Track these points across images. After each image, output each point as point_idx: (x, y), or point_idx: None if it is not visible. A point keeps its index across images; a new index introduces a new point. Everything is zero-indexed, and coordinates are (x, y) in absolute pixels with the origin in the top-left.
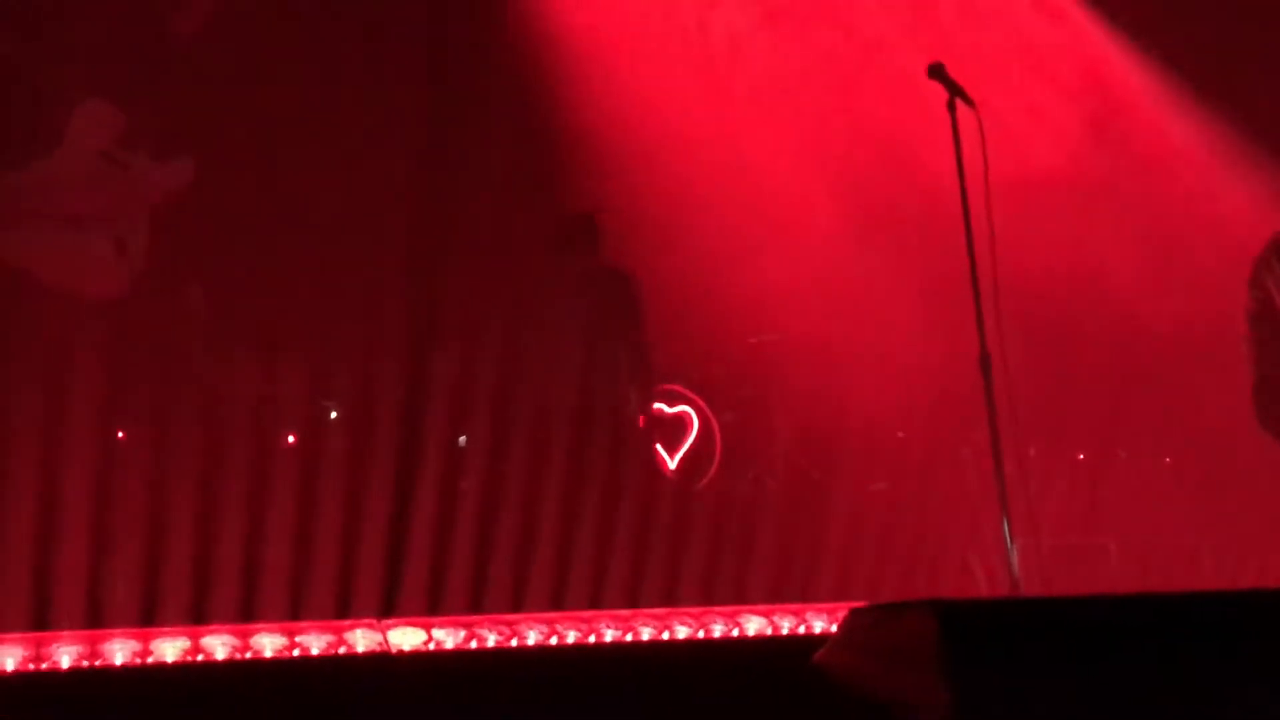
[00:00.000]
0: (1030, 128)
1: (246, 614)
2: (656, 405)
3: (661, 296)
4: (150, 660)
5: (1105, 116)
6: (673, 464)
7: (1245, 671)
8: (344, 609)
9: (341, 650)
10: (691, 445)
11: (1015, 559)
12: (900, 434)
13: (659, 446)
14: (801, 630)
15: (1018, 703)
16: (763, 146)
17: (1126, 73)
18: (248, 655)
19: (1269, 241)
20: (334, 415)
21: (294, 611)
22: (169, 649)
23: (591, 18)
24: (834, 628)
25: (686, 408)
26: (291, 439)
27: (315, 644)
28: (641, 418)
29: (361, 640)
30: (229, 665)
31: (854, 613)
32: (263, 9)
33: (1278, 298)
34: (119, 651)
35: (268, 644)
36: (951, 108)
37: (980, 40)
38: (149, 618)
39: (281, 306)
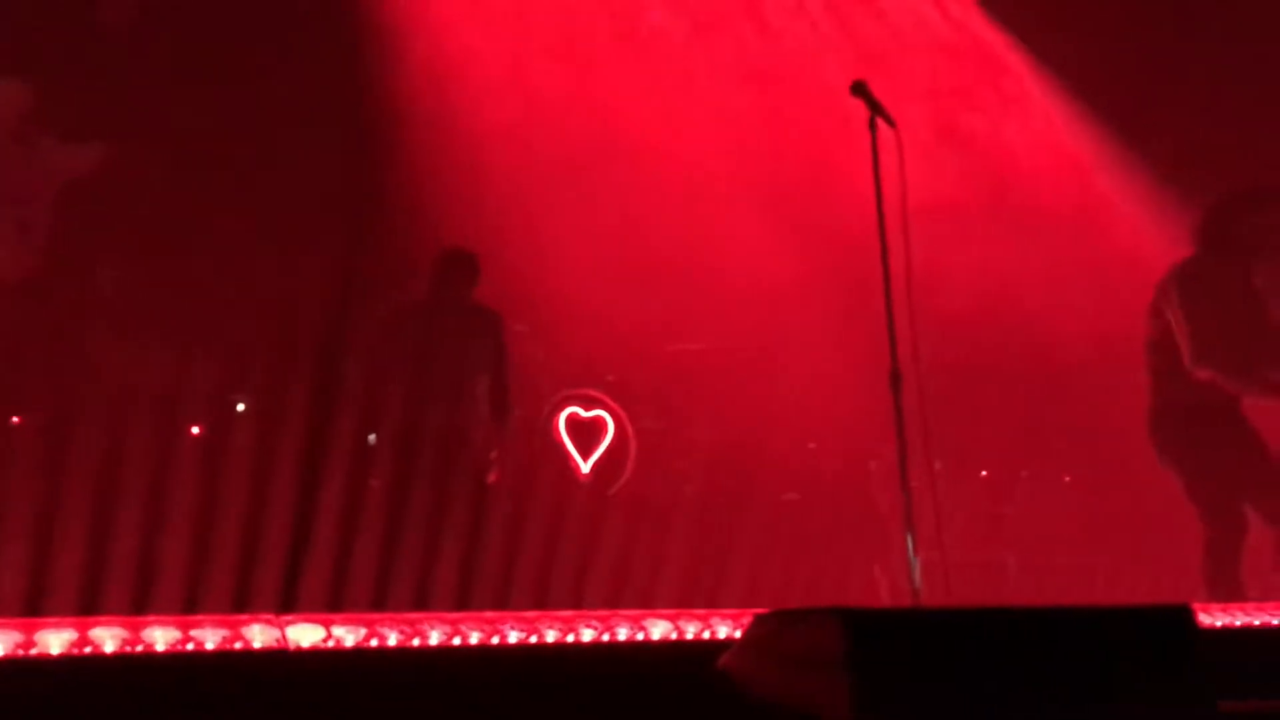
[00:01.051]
0: (948, 150)
1: (140, 606)
2: (573, 409)
3: (580, 302)
4: (34, 653)
5: (1019, 143)
6: (586, 468)
7: (1135, 682)
8: (242, 604)
9: (238, 646)
10: (606, 450)
11: (918, 572)
12: (812, 446)
13: (573, 450)
14: (706, 636)
15: (916, 708)
16: (688, 156)
17: (1044, 103)
18: (139, 649)
19: (1169, 272)
20: (241, 408)
21: (190, 605)
22: (54, 641)
23: (511, 24)
24: (739, 634)
25: (603, 412)
26: (196, 430)
27: (210, 638)
28: (555, 423)
29: (259, 636)
30: (119, 659)
31: (758, 619)
32: None
33: (1176, 328)
34: (0, 643)
35: (160, 637)
36: (872, 126)
37: (901, 58)
38: (35, 608)
39: (190, 297)
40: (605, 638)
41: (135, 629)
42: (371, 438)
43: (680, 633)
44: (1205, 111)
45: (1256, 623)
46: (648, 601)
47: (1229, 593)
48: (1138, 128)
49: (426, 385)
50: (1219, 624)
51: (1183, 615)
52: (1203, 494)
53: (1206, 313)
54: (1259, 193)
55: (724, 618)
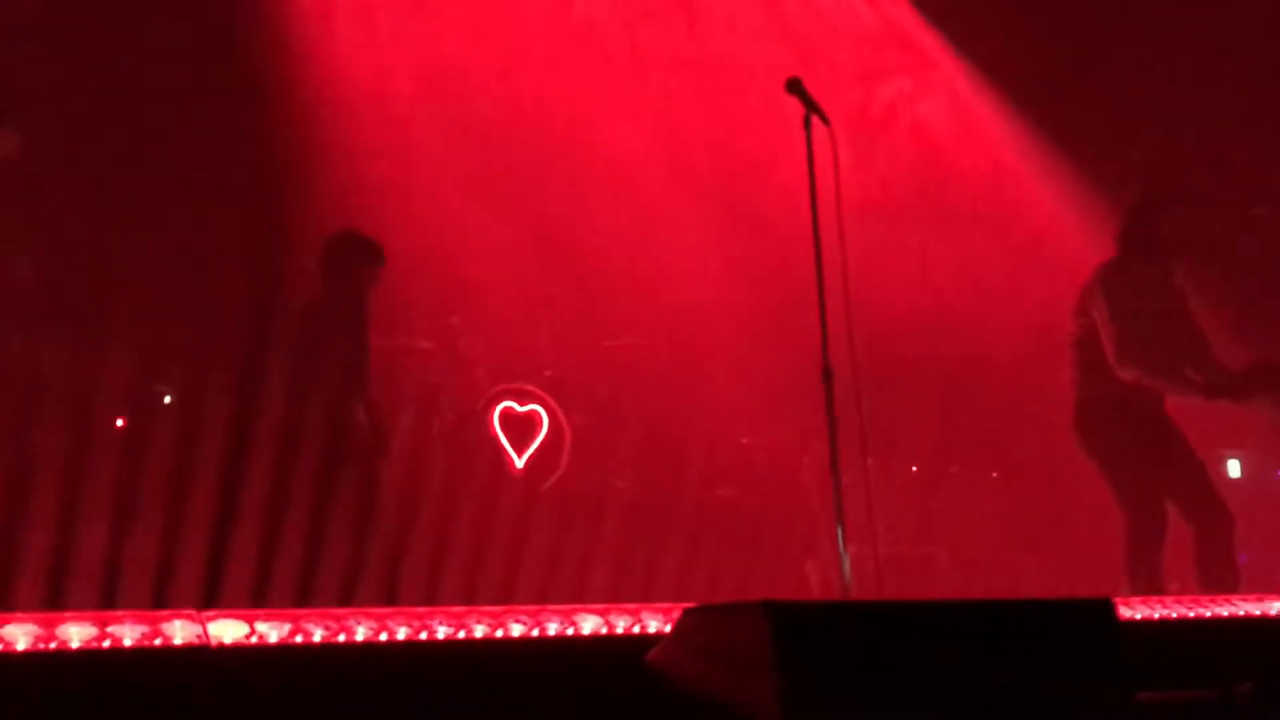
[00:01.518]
0: (876, 144)
1: (54, 603)
2: (507, 404)
3: (519, 296)
4: None
5: (951, 144)
6: (520, 462)
7: (1058, 674)
8: (162, 600)
9: (157, 643)
10: (540, 444)
11: (848, 566)
12: (745, 441)
13: (508, 445)
14: (637, 630)
15: (843, 701)
16: (622, 148)
17: (972, 103)
18: (53, 646)
19: (1094, 272)
20: (167, 400)
21: (107, 601)
22: None
23: (442, 10)
24: (669, 628)
25: (537, 407)
26: (120, 423)
27: (129, 635)
28: (492, 416)
29: (179, 632)
30: (32, 657)
31: (687, 613)
32: None
33: (1100, 327)
34: None
35: (75, 634)
36: (807, 123)
37: (832, 50)
38: None
39: (111, 287)
40: (535, 633)
41: (49, 626)
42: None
43: (610, 627)
44: (1128, 106)
45: (1175, 615)
46: (578, 596)
47: (1149, 586)
48: (1063, 123)
49: (352, 378)
50: (1139, 617)
51: (1104, 609)
52: (1126, 490)
53: (1130, 312)
54: (1176, 194)
55: (654, 612)
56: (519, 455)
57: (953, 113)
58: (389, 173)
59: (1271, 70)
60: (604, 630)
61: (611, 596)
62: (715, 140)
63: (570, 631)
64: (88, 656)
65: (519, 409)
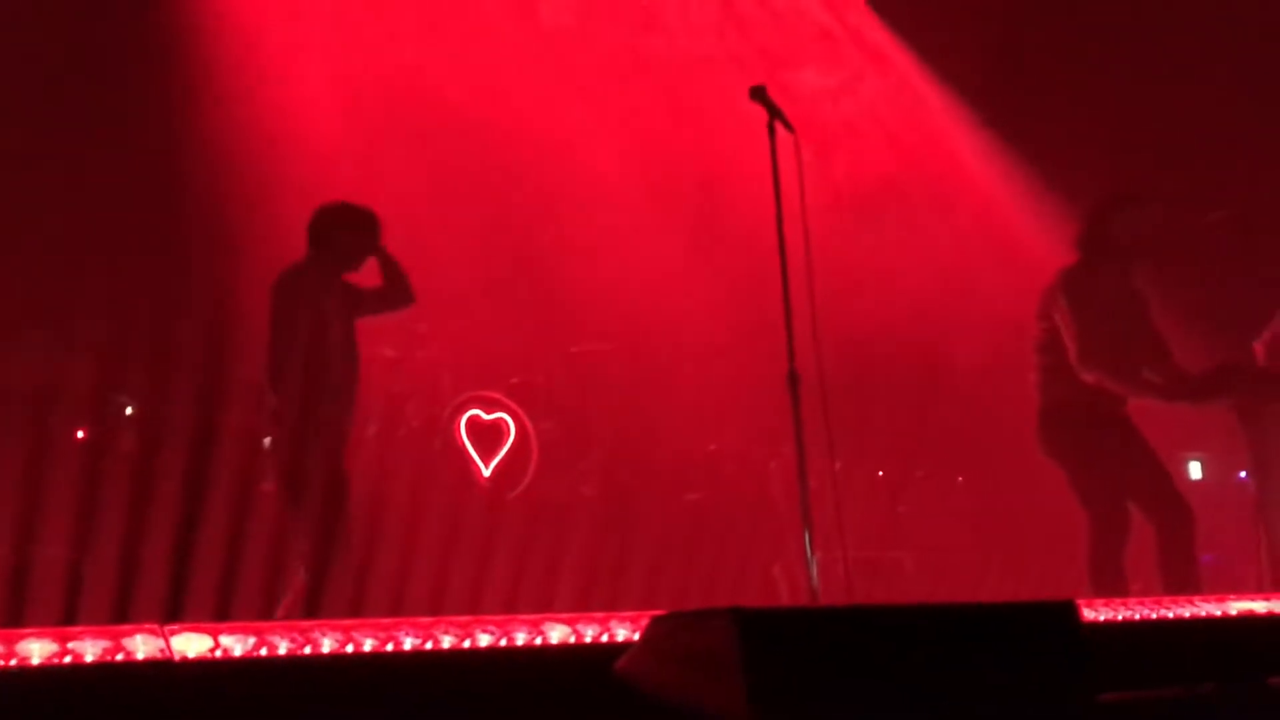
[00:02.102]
0: (843, 155)
1: (14, 618)
2: (474, 412)
3: (485, 304)
4: None
5: (914, 150)
6: (487, 471)
7: (1021, 676)
8: (123, 614)
9: (119, 658)
10: (508, 452)
11: (815, 571)
12: (713, 447)
13: (474, 454)
14: (605, 639)
15: (811, 706)
16: (591, 156)
17: (935, 109)
18: (12, 663)
19: (1055, 275)
20: (129, 411)
21: (68, 616)
22: None
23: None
24: (637, 635)
25: (504, 415)
26: (81, 434)
27: (90, 650)
28: (458, 424)
29: (141, 647)
30: None
31: (655, 621)
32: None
33: (1063, 331)
34: None
35: (36, 650)
36: (771, 130)
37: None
38: None
39: (73, 295)
40: (503, 642)
41: (9, 642)
42: (266, 441)
43: (579, 636)
44: (1087, 108)
45: (1137, 616)
46: (546, 604)
47: (1112, 588)
48: (1024, 128)
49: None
50: (1102, 618)
51: (1067, 610)
52: (1088, 492)
53: (1091, 316)
54: (1131, 196)
55: (622, 620)
56: (485, 464)
57: (915, 118)
58: (352, 179)
59: (1230, 73)
60: (572, 639)
61: (580, 604)
62: (680, 147)
63: (538, 641)
64: (48, 673)
65: (485, 417)
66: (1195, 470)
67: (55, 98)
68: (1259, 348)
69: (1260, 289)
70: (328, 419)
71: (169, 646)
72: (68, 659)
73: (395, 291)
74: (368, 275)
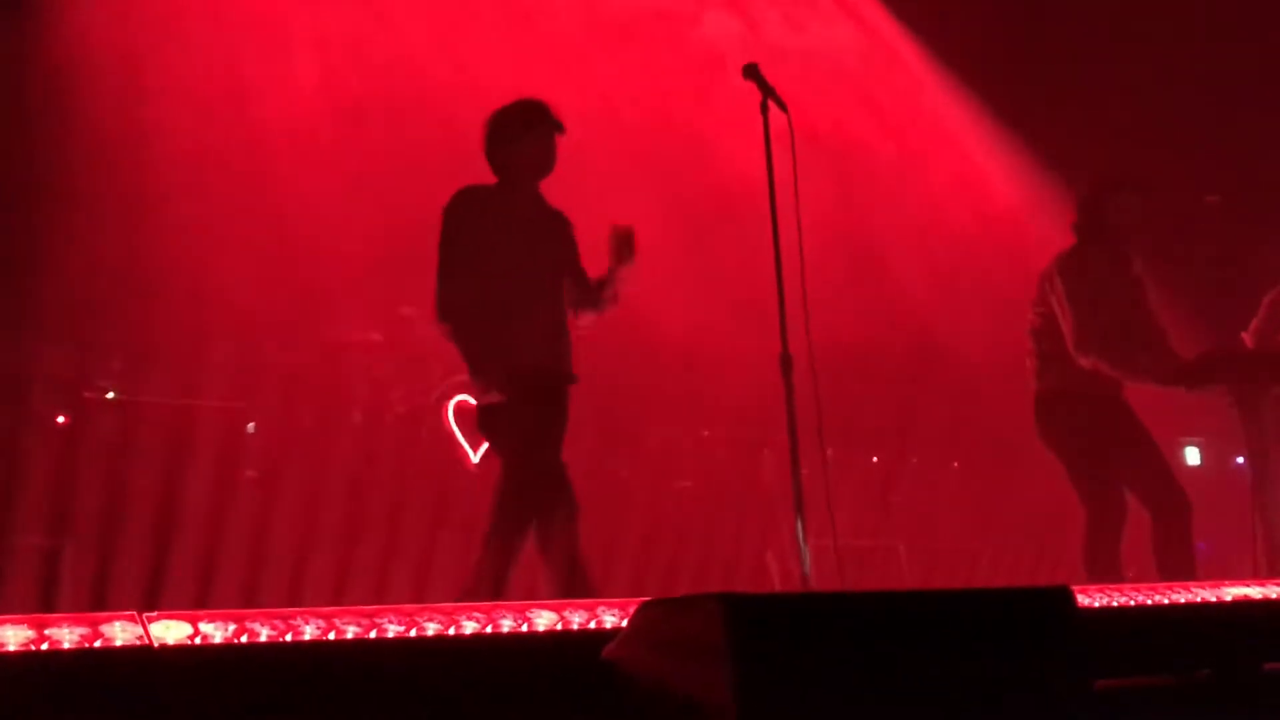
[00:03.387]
0: (839, 137)
1: None
2: (462, 397)
3: None
4: None
5: (910, 133)
6: (476, 457)
7: (1016, 662)
8: (102, 600)
9: (97, 644)
10: None
11: (808, 558)
12: (705, 433)
13: (462, 439)
14: (593, 625)
15: (800, 693)
16: (577, 135)
17: (931, 90)
18: None
19: (1051, 261)
20: (110, 396)
21: (46, 603)
22: None
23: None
24: (625, 622)
25: None
26: (61, 419)
27: (67, 637)
28: (446, 409)
29: (120, 634)
30: None
31: (643, 607)
32: None
33: (1059, 315)
34: None
35: (12, 637)
36: (764, 109)
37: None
38: None
39: (50, 281)
40: (489, 630)
41: None
42: (250, 426)
43: (566, 623)
44: (1085, 95)
45: (1133, 603)
46: (534, 591)
47: (1108, 575)
48: (1022, 112)
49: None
50: (1097, 604)
51: (1062, 596)
52: (1084, 479)
53: (1088, 300)
54: (1126, 180)
55: (610, 607)
56: (474, 450)
57: (910, 100)
58: (334, 159)
59: (1225, 60)
60: (559, 626)
61: (568, 590)
62: (670, 126)
63: (525, 628)
64: (24, 660)
65: (473, 402)
66: (1192, 456)
67: None
68: (1246, 337)
69: (1251, 274)
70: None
71: (148, 634)
72: (45, 646)
73: None
74: None
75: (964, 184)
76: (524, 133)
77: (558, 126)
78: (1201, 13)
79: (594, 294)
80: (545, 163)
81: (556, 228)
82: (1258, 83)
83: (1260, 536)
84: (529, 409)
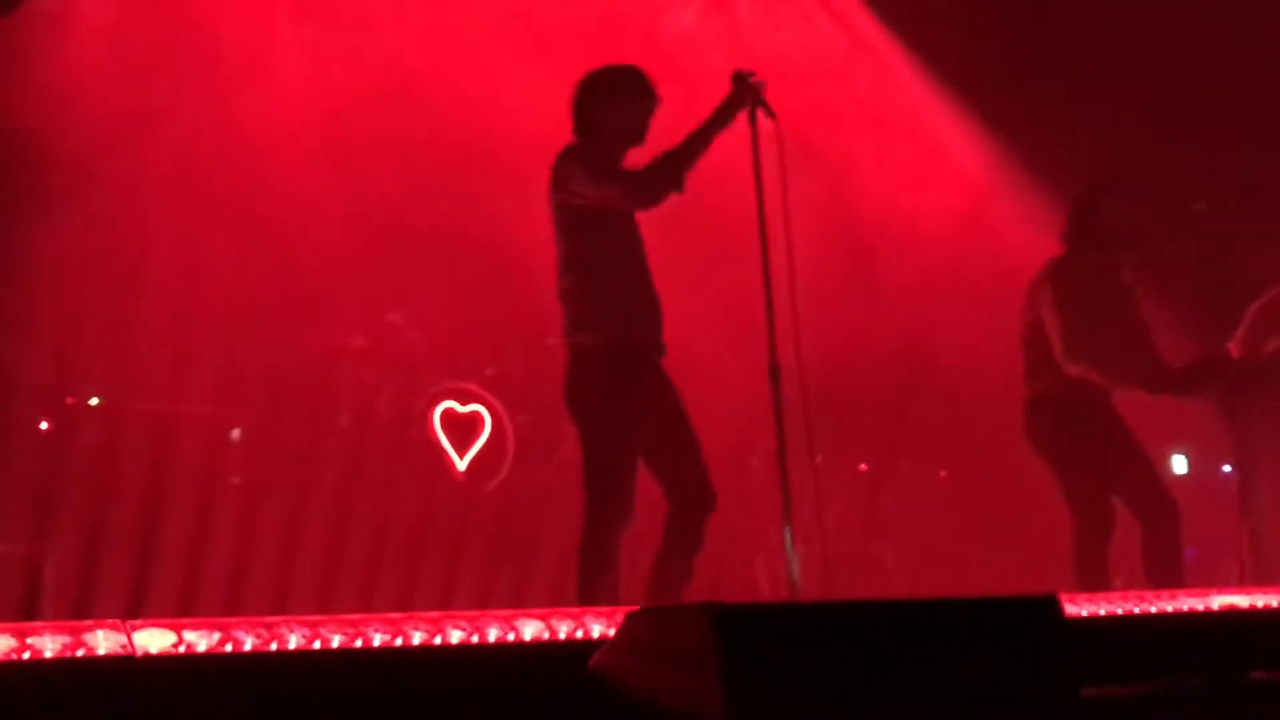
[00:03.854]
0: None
1: None
2: (449, 404)
3: (458, 293)
4: None
5: (897, 142)
6: (462, 464)
7: (1002, 671)
8: (85, 609)
9: (80, 653)
10: (483, 445)
11: (796, 566)
12: None
13: (449, 447)
14: (580, 635)
15: (788, 702)
16: (563, 140)
17: (926, 104)
18: None
19: (1042, 268)
20: (94, 402)
21: (28, 611)
22: None
23: None
24: (613, 632)
25: (479, 407)
26: (45, 425)
27: (50, 646)
28: (432, 416)
29: (103, 643)
30: None
31: (630, 616)
32: None
33: (1048, 323)
34: None
35: None
36: (752, 118)
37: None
38: None
39: (34, 286)
40: (475, 639)
41: None
42: (235, 433)
43: (553, 632)
44: (1075, 104)
45: (1120, 611)
46: (520, 599)
47: (1096, 582)
48: (1011, 120)
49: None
50: (1084, 613)
51: (1049, 605)
52: (1073, 486)
53: (1077, 307)
54: (1111, 183)
55: (597, 616)
56: (461, 457)
57: (899, 107)
58: (323, 169)
59: (1215, 67)
60: (546, 635)
61: (555, 599)
62: (656, 133)
63: (511, 637)
64: (6, 669)
65: (461, 409)
66: (1180, 464)
67: None
68: (1232, 348)
69: (1239, 282)
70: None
71: (131, 642)
72: (27, 655)
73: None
74: None
75: (953, 192)
76: (611, 96)
77: (652, 97)
78: (1192, 23)
79: (659, 165)
80: (634, 131)
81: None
82: (1245, 91)
83: (1247, 544)
84: (617, 382)
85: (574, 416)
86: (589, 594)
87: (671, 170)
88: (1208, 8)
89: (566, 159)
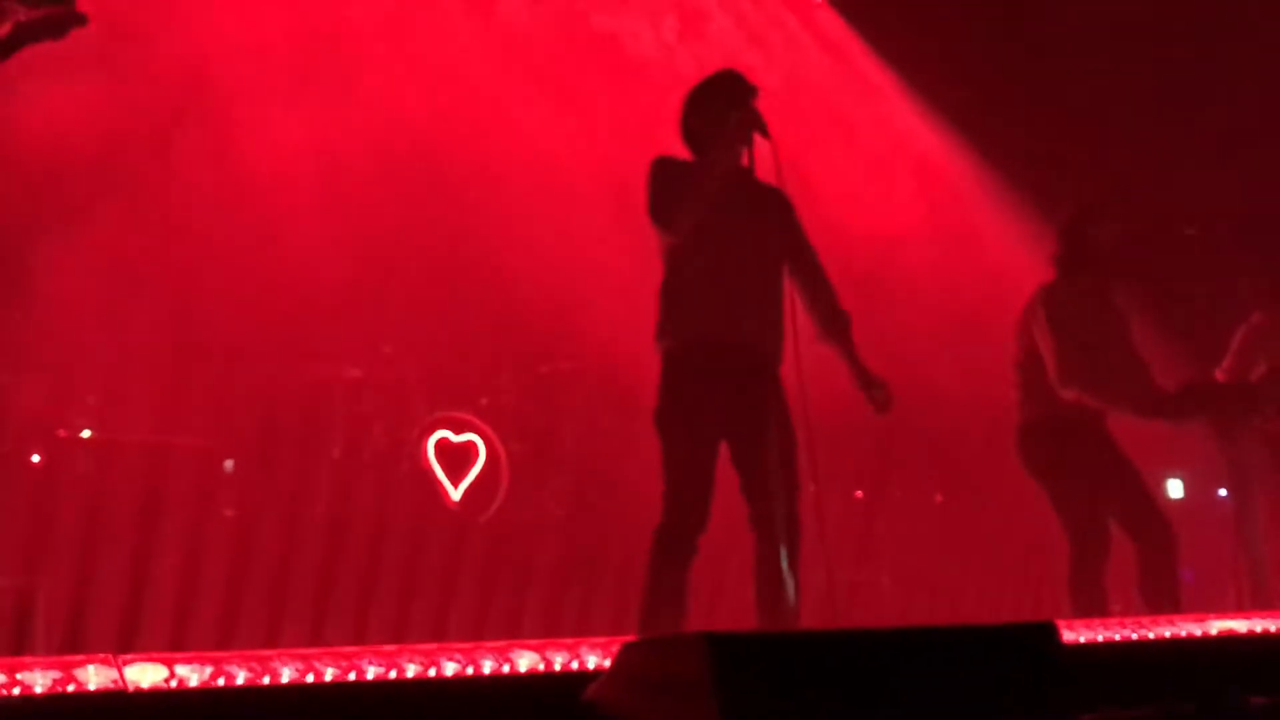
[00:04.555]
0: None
1: None
2: (443, 433)
3: (451, 322)
4: None
5: (888, 163)
6: (456, 494)
7: (999, 699)
8: (76, 644)
9: (71, 688)
10: (478, 475)
11: (793, 594)
12: None
13: (443, 476)
14: (575, 666)
15: None
16: (555, 171)
17: (910, 123)
18: None
19: (1034, 294)
20: (86, 434)
21: (18, 646)
22: None
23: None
24: (609, 663)
25: (474, 436)
26: (37, 458)
27: (40, 681)
28: (426, 446)
29: (94, 678)
30: None
31: (626, 647)
32: None
33: (1042, 347)
34: None
35: None
36: (749, 141)
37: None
38: None
39: (26, 318)
40: (469, 670)
41: None
42: (228, 464)
43: (548, 664)
44: (1065, 129)
45: (1117, 637)
46: (515, 629)
47: (1094, 607)
48: (1000, 145)
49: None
50: (1082, 639)
51: (1046, 632)
52: (1069, 511)
53: (1069, 333)
54: (1102, 206)
55: (592, 647)
56: (455, 486)
57: (887, 133)
58: (316, 200)
59: (1204, 93)
60: (541, 667)
61: (549, 628)
62: (646, 157)
63: (506, 669)
64: None
65: (455, 438)
66: (1176, 488)
67: None
68: (1220, 374)
69: (1230, 307)
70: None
71: (123, 677)
72: (17, 690)
73: None
74: None
75: (943, 215)
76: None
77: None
78: (1185, 43)
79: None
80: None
81: (769, 203)
82: (1237, 114)
83: (1244, 568)
84: (702, 388)
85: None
86: (650, 621)
87: (693, 201)
88: (1202, 27)
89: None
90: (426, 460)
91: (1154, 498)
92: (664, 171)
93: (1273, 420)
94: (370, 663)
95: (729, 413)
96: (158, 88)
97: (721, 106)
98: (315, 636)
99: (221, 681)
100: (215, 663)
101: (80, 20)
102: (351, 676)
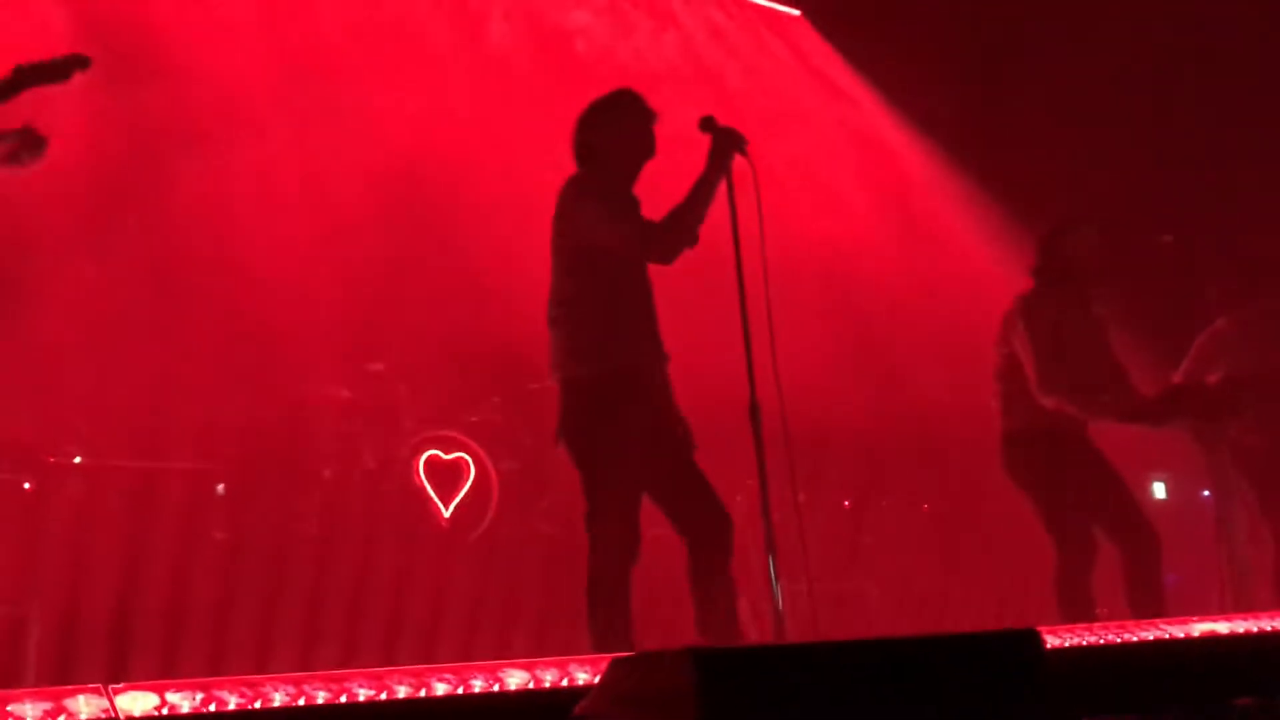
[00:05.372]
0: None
1: None
2: (433, 452)
3: (443, 339)
4: None
5: (865, 173)
6: (447, 512)
7: (984, 707)
8: (66, 673)
9: (61, 719)
10: (467, 493)
11: (780, 605)
12: None
13: (433, 493)
14: (565, 683)
15: None
16: (544, 188)
17: (883, 131)
18: None
19: (1013, 302)
20: (77, 460)
21: (8, 677)
22: None
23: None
24: (597, 679)
25: (463, 454)
26: (27, 486)
27: (30, 713)
28: (416, 464)
29: (85, 708)
30: None
31: (615, 663)
32: None
33: (1022, 356)
34: None
35: None
36: (727, 164)
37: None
38: None
39: (16, 345)
40: (460, 690)
41: None
42: (220, 488)
43: (537, 681)
44: (1041, 138)
45: (1101, 641)
46: (505, 648)
47: (1079, 613)
48: (979, 153)
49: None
50: (1067, 644)
51: (1030, 639)
52: (1053, 517)
53: (1050, 339)
54: (1079, 217)
55: (582, 664)
56: (445, 505)
57: (863, 142)
58: (307, 221)
59: (1180, 100)
60: (531, 685)
61: (540, 644)
62: (646, 179)
63: (496, 688)
64: None
65: (444, 456)
66: (1159, 491)
67: None
68: (1177, 378)
69: (1201, 312)
70: None
71: (114, 706)
72: None
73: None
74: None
75: (925, 226)
76: (620, 118)
77: (652, 112)
78: (1161, 54)
79: (671, 221)
80: (646, 147)
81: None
82: (1218, 126)
83: (1227, 570)
84: (608, 414)
85: (569, 451)
86: (602, 639)
87: (687, 224)
88: (1180, 42)
89: (579, 194)
90: (417, 478)
91: (1138, 503)
92: (602, 188)
93: (1248, 435)
94: (361, 685)
95: (643, 434)
96: (148, 116)
97: (619, 120)
98: (306, 658)
99: (213, 707)
100: (206, 688)
101: (83, 64)
102: (343, 699)
